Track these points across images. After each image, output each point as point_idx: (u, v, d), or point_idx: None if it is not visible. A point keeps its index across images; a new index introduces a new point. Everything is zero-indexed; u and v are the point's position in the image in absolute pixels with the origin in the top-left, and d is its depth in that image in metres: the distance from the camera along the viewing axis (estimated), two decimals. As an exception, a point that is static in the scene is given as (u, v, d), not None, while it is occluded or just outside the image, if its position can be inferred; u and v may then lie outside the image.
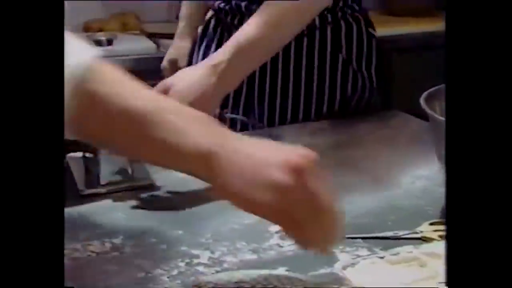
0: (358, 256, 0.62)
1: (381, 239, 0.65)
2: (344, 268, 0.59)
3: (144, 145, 0.56)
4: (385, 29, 1.64)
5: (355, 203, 0.74)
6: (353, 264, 0.59)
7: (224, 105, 1.08)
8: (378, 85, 1.08)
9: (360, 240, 0.65)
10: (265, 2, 0.90)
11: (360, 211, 0.72)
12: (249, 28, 0.88)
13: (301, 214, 0.51)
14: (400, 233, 0.65)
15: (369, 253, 0.62)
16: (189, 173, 0.57)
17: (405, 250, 0.61)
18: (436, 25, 1.66)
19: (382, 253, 0.62)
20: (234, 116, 1.06)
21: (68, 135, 0.54)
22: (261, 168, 0.52)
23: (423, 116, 1.01)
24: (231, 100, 1.07)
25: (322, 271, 0.59)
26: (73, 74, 0.52)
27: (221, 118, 1.07)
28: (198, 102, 0.78)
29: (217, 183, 0.53)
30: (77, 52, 0.55)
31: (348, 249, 0.63)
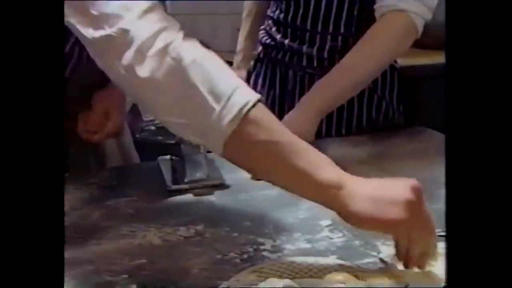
0: (398, 249, 0.60)
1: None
2: (387, 258, 0.57)
3: (284, 172, 0.55)
4: (411, 60, 1.61)
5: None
6: (394, 256, 0.57)
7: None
8: (400, 107, 1.06)
9: (398, 235, 0.63)
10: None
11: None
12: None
13: (418, 229, 0.52)
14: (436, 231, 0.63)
15: (407, 246, 0.61)
16: (318, 200, 0.55)
17: (440, 246, 0.58)
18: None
19: (418, 248, 0.60)
20: None
21: (218, 153, 0.54)
22: (388, 190, 0.52)
23: (445, 132, 0.98)
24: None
25: (367, 260, 0.58)
26: (239, 104, 0.52)
27: None
28: None
29: (348, 210, 0.52)
30: (247, 90, 0.56)
31: (388, 242, 0.62)
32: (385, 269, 0.55)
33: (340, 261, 0.57)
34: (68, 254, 0.61)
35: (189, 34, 0.59)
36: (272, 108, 1.07)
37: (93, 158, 0.94)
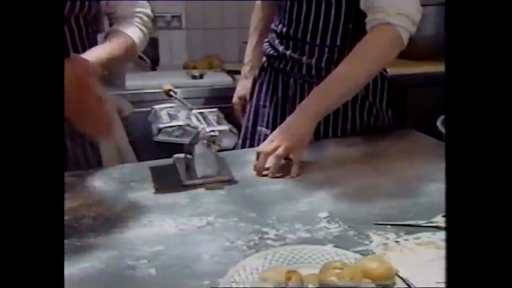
0: (388, 238, 0.60)
1: (405, 226, 0.63)
2: (377, 246, 0.57)
3: None
4: (400, 69, 1.60)
5: (385, 199, 0.72)
6: (384, 244, 0.57)
7: (255, 122, 1.09)
8: (389, 112, 1.05)
9: (389, 226, 0.63)
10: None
11: (388, 205, 0.70)
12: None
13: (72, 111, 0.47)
14: (420, 222, 0.63)
15: (396, 236, 0.60)
16: None
17: (425, 236, 0.58)
18: (441, 67, 1.60)
19: (406, 237, 0.59)
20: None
21: None
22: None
23: (430, 134, 0.98)
24: (270, 119, 1.06)
25: (360, 248, 0.58)
26: None
27: (254, 133, 1.08)
28: None
29: None
30: None
31: (379, 232, 0.62)
32: (375, 257, 0.55)
33: (336, 249, 0.57)
34: (95, 240, 0.62)
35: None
36: (275, 112, 1.08)
37: (91, 156, 0.93)
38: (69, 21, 0.86)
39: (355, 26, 0.95)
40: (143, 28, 0.97)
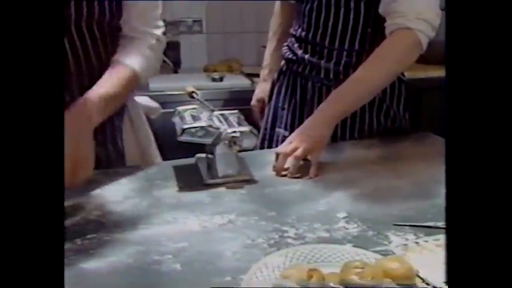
0: (407, 239, 0.59)
1: (424, 228, 0.62)
2: (397, 247, 0.56)
3: None
4: (416, 73, 1.58)
5: (402, 200, 0.71)
6: (404, 245, 0.56)
7: (274, 124, 1.08)
8: (406, 115, 1.04)
9: (407, 227, 0.62)
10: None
11: (406, 206, 0.69)
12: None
13: None
14: (439, 224, 0.62)
15: (415, 237, 0.60)
16: None
17: (443, 237, 0.57)
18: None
19: (425, 238, 0.58)
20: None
21: None
22: None
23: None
24: (288, 121, 1.05)
25: (379, 248, 0.57)
26: None
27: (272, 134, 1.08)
28: None
29: None
30: None
31: (398, 233, 0.61)
32: (395, 257, 0.54)
33: (356, 249, 0.56)
34: (122, 236, 0.63)
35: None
36: (293, 114, 1.08)
37: (115, 157, 0.90)
38: (91, 27, 0.82)
39: (373, 30, 0.94)
40: (150, 54, 0.85)
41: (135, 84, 0.85)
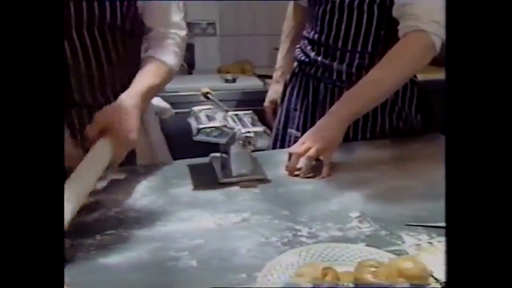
0: (420, 239, 0.58)
1: (437, 228, 0.61)
2: (410, 247, 0.56)
3: None
4: (428, 75, 1.56)
5: (415, 201, 0.70)
6: (417, 245, 0.56)
7: (286, 125, 1.08)
8: (418, 116, 1.03)
9: (420, 227, 0.62)
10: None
11: (419, 206, 0.68)
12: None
13: None
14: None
15: (428, 237, 0.59)
16: None
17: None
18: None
19: (439, 239, 0.58)
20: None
21: None
22: None
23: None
24: (301, 122, 1.05)
25: (393, 248, 0.57)
26: None
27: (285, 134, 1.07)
28: None
29: None
30: None
31: (411, 233, 0.60)
32: (409, 257, 0.53)
33: (369, 248, 0.56)
34: (140, 232, 0.63)
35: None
36: (305, 115, 1.08)
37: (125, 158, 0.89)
38: (103, 29, 0.83)
39: (386, 33, 0.94)
40: (178, 51, 0.90)
41: (171, 78, 0.90)
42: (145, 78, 0.83)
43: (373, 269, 0.46)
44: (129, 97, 0.77)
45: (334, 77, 0.99)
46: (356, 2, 0.92)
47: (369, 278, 0.45)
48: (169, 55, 0.88)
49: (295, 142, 0.89)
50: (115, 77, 0.87)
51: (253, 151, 0.82)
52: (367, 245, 0.57)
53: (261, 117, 1.03)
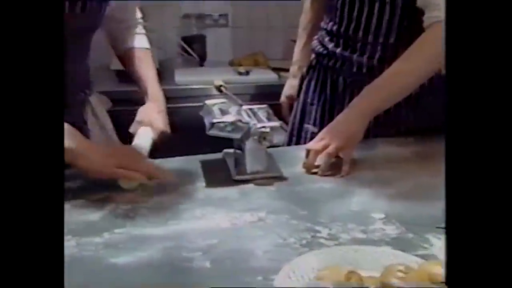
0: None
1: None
2: (440, 250, 0.54)
3: None
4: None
5: (442, 201, 0.68)
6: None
7: (302, 120, 1.06)
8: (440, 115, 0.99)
9: (449, 230, 0.59)
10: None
11: (446, 208, 0.66)
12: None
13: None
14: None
15: (458, 241, 0.57)
16: None
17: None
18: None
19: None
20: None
21: None
22: None
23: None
24: (318, 117, 1.02)
25: (420, 252, 0.55)
26: None
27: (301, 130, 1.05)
28: None
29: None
30: None
31: (440, 236, 0.58)
32: (439, 261, 0.51)
33: (395, 251, 0.54)
34: (150, 231, 0.62)
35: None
36: (322, 110, 1.06)
37: None
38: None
39: (410, 23, 0.91)
40: (144, 32, 1.02)
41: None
42: (153, 73, 0.96)
43: (401, 274, 0.43)
44: (157, 95, 0.93)
45: (354, 69, 0.97)
46: None
47: (397, 283, 0.43)
48: (146, 41, 1.00)
49: (311, 138, 0.87)
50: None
51: (269, 147, 0.80)
52: (392, 249, 0.55)
53: (276, 113, 1.02)
